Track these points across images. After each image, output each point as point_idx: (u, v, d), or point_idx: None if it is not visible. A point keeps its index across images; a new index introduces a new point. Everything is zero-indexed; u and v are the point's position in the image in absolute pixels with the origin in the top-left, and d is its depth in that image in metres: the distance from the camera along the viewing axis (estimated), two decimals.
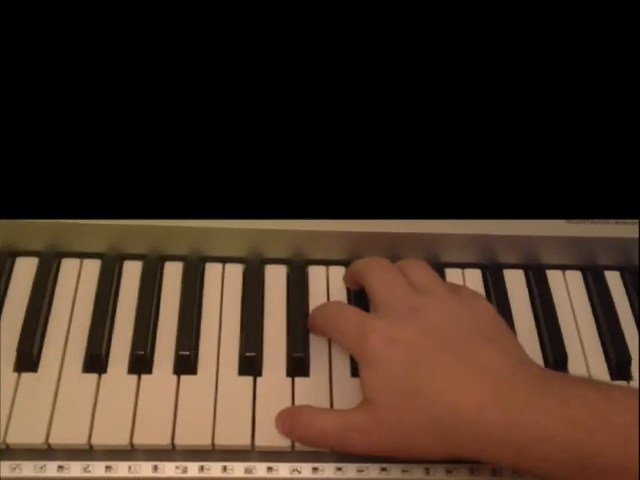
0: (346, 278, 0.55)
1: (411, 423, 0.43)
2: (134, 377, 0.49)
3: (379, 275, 0.51)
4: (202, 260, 0.55)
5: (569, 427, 0.40)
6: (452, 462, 0.46)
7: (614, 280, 0.57)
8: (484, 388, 0.42)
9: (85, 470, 0.46)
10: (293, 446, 0.47)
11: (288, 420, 0.47)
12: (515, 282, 0.57)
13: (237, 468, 0.46)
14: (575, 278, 0.57)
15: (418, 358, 0.44)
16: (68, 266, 0.55)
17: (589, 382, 0.45)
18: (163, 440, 0.46)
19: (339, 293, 0.55)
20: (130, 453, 0.46)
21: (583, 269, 0.58)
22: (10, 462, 0.45)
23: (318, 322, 0.51)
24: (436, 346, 0.44)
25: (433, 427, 0.43)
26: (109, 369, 0.49)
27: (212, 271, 0.55)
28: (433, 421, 0.42)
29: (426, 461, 0.46)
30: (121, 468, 0.46)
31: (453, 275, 0.57)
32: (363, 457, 0.47)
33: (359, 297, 0.54)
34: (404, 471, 0.47)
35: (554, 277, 0.57)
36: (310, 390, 0.49)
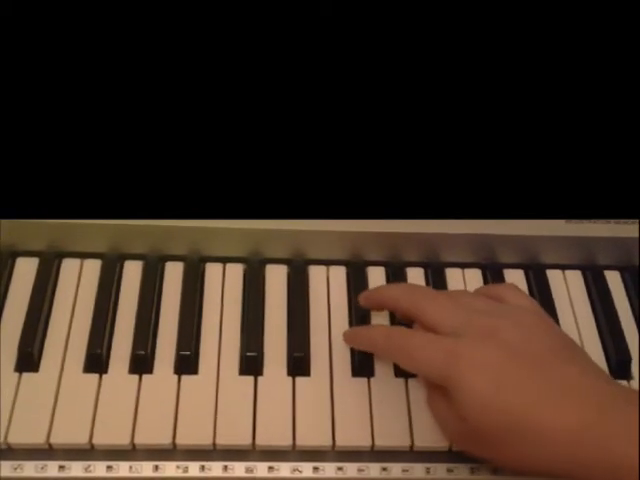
0: (370, 300, 0.53)
1: (510, 444, 0.42)
2: (135, 377, 0.49)
3: (437, 302, 0.48)
4: (202, 260, 0.55)
5: None
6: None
7: (614, 280, 0.57)
8: (583, 411, 0.41)
9: (86, 470, 0.46)
10: (294, 445, 0.47)
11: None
12: (515, 282, 0.56)
13: (238, 468, 0.46)
14: (575, 278, 0.58)
15: (507, 380, 0.42)
16: (69, 266, 0.55)
17: None
18: (164, 440, 0.46)
19: (339, 293, 0.55)
20: (131, 453, 0.46)
21: (583, 269, 0.58)
22: (11, 462, 0.45)
23: (381, 344, 0.49)
24: (524, 367, 0.43)
25: (527, 449, 0.41)
26: (110, 369, 0.49)
27: (213, 271, 0.55)
28: (528, 444, 0.41)
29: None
30: (122, 468, 0.46)
31: (453, 275, 0.57)
32: (363, 456, 0.47)
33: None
34: (404, 470, 0.47)
35: (554, 277, 0.57)
36: (311, 390, 0.49)
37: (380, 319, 0.53)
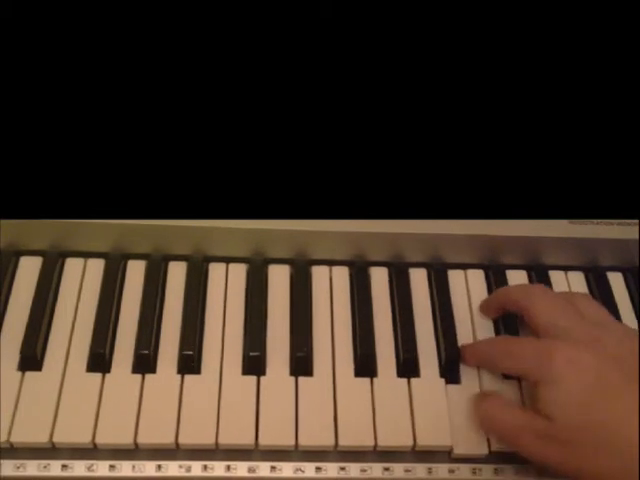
0: (491, 303, 0.54)
1: (590, 449, 0.42)
2: (138, 376, 0.49)
3: (549, 301, 0.49)
4: (206, 260, 0.56)
5: None
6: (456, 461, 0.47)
7: (616, 281, 0.58)
8: None
9: (89, 469, 0.46)
10: (297, 445, 0.47)
11: (475, 403, 0.48)
12: (517, 282, 0.57)
13: (240, 467, 0.46)
14: (577, 279, 0.58)
15: (606, 387, 0.43)
16: (72, 265, 0.55)
17: None
18: (167, 439, 0.46)
19: (342, 293, 0.55)
20: (134, 452, 0.47)
21: (586, 270, 0.58)
22: (14, 461, 0.46)
23: (484, 354, 0.50)
24: (626, 379, 0.43)
25: (613, 460, 0.42)
26: (113, 368, 0.49)
27: (216, 271, 0.55)
28: (615, 455, 0.41)
29: None
30: (125, 467, 0.46)
31: (455, 276, 0.57)
32: (365, 457, 0.47)
33: (362, 301, 0.54)
34: (407, 471, 0.47)
35: (557, 278, 0.57)
36: (314, 389, 0.49)
37: (381, 321, 0.53)
